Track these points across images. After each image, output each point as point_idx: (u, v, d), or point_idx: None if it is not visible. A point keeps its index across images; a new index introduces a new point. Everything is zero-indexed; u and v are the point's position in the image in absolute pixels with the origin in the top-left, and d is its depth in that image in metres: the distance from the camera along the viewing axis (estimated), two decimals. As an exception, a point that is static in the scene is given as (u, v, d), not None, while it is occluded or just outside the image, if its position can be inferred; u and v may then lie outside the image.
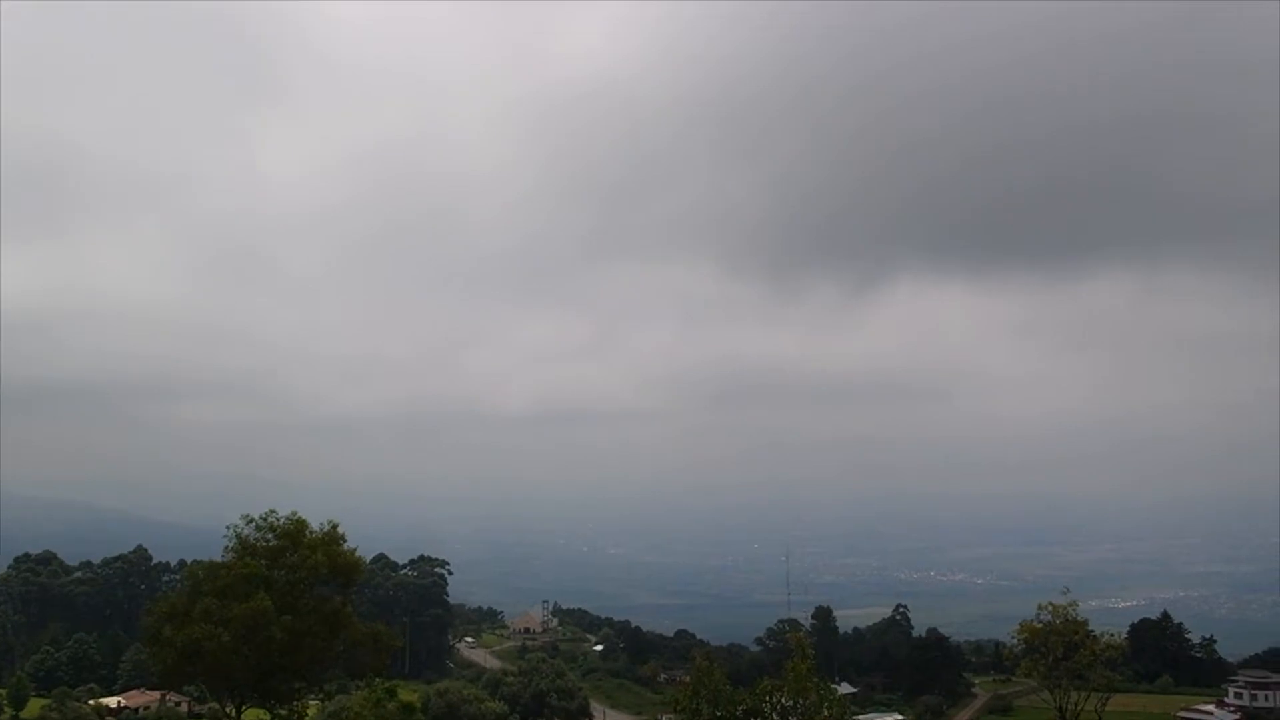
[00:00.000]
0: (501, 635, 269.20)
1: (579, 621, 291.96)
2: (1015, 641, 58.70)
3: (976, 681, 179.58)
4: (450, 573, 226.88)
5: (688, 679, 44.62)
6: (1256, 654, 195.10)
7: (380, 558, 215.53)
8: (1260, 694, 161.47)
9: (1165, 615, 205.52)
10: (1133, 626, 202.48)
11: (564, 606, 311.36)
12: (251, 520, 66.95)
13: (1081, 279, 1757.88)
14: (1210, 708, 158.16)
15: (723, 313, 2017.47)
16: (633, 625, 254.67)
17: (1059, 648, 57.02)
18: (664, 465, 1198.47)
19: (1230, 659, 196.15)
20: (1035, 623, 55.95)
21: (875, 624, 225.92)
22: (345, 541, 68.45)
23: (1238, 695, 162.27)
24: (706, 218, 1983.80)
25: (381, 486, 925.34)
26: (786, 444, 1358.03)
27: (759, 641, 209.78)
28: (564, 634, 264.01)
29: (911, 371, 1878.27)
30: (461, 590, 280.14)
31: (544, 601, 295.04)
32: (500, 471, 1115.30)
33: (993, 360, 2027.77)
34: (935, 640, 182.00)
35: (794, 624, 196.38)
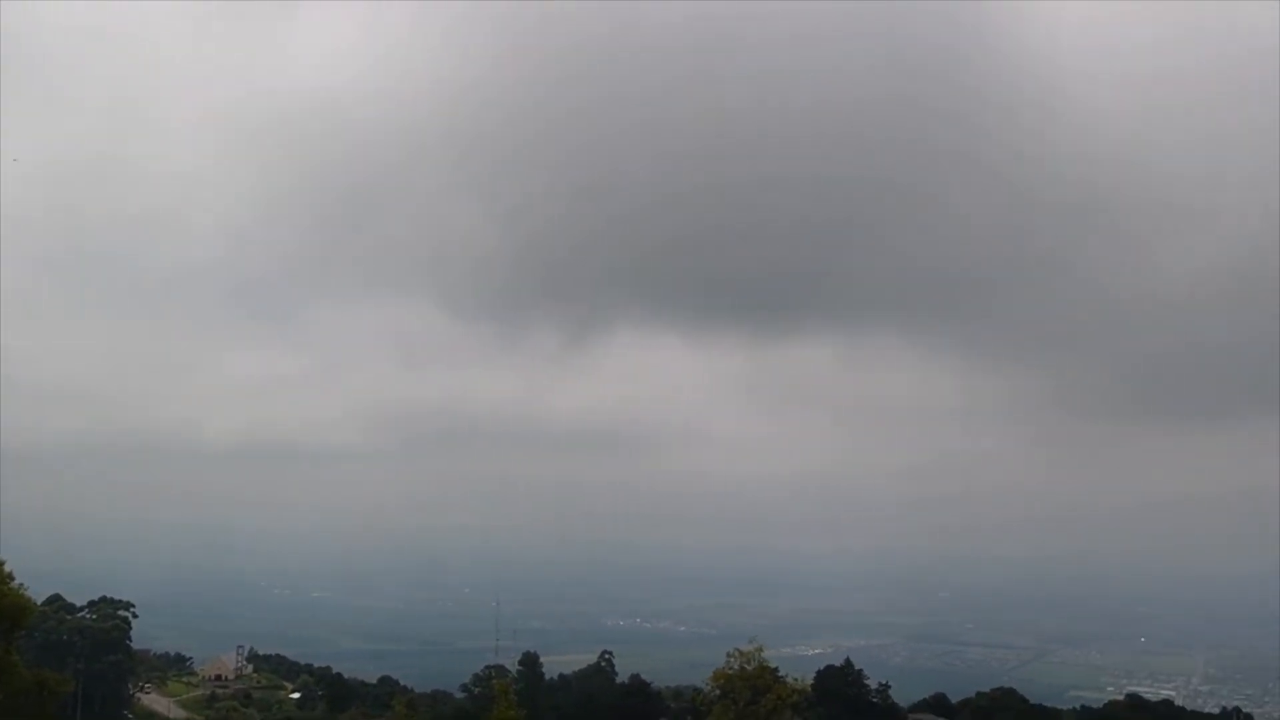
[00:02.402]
0: (189, 683, 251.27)
1: (276, 668, 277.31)
2: (708, 688, 61.52)
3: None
4: (135, 615, 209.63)
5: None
6: (924, 699, 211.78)
7: (55, 599, 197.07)
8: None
9: (848, 662, 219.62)
10: (819, 673, 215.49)
11: (260, 652, 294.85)
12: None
13: (790, 340, 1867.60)
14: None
15: (447, 352, 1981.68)
16: (334, 672, 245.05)
17: (746, 693, 60.32)
18: (378, 507, 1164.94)
19: (902, 704, 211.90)
20: (726, 669, 58.92)
21: (581, 670, 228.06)
22: (12, 580, 62.50)
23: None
24: (431, 251, 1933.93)
25: (65, 523, 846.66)
26: (506, 489, 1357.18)
27: (464, 688, 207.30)
28: (259, 681, 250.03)
29: (629, 422, 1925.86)
30: (149, 635, 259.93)
31: (239, 646, 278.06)
32: (200, 509, 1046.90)
33: (708, 415, 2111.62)
34: (638, 686, 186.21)
35: (501, 670, 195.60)
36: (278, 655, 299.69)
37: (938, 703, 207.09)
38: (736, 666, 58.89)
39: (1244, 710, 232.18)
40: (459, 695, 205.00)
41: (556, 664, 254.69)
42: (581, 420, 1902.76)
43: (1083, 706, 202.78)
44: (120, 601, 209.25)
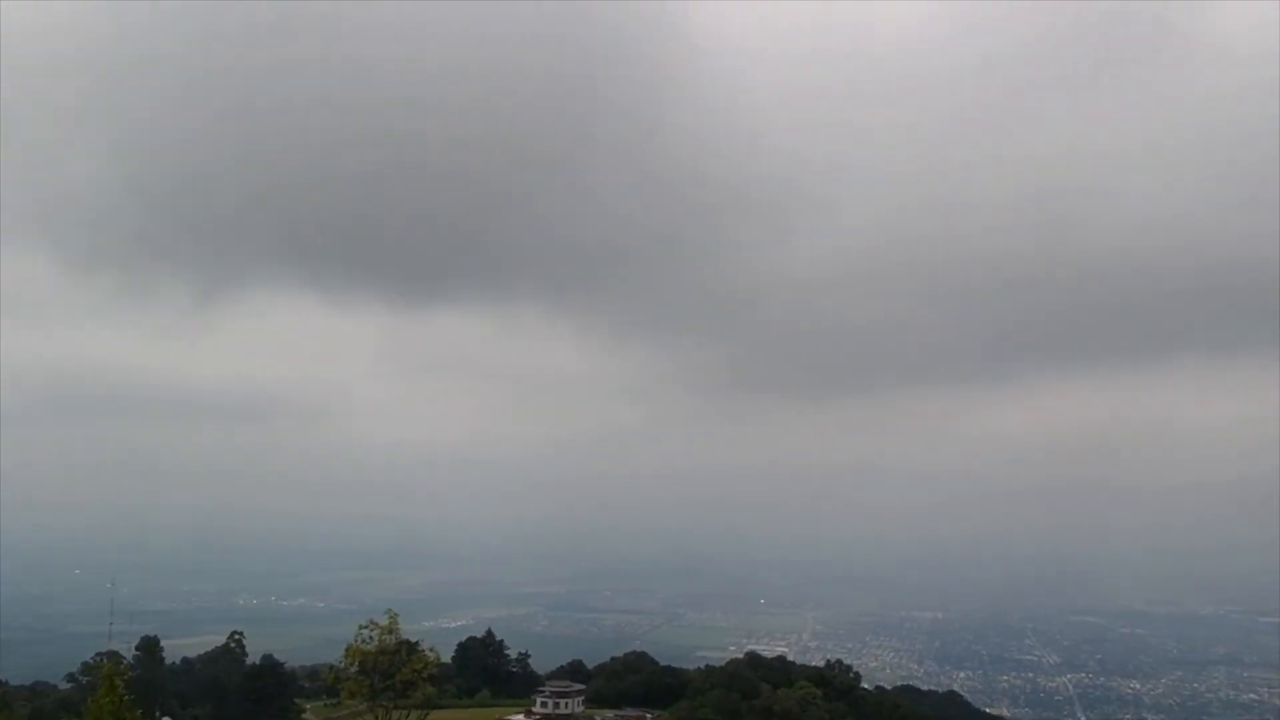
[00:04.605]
0: None
1: None
2: (343, 664, 59.16)
3: (308, 707, 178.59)
4: None
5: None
6: (562, 665, 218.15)
7: None
8: (562, 701, 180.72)
9: (489, 633, 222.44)
10: (460, 645, 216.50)
11: None
12: None
13: (437, 310, 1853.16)
14: (519, 717, 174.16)
15: (63, 308, 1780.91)
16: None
17: (383, 667, 58.62)
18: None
19: (540, 671, 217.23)
20: (360, 644, 56.87)
21: (208, 652, 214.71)
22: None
23: (544, 704, 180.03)
24: (39, 197, 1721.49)
25: None
26: (132, 459, 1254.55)
27: (71, 678, 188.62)
28: None
29: (267, 387, 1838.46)
30: None
31: None
32: None
33: (353, 381, 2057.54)
34: (269, 667, 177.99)
35: (114, 656, 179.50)
36: None
37: (575, 668, 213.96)
38: (372, 641, 56.96)
39: (845, 662, 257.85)
40: (64, 686, 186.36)
41: (181, 647, 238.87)
42: (216, 385, 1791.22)
43: (707, 665, 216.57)
44: None
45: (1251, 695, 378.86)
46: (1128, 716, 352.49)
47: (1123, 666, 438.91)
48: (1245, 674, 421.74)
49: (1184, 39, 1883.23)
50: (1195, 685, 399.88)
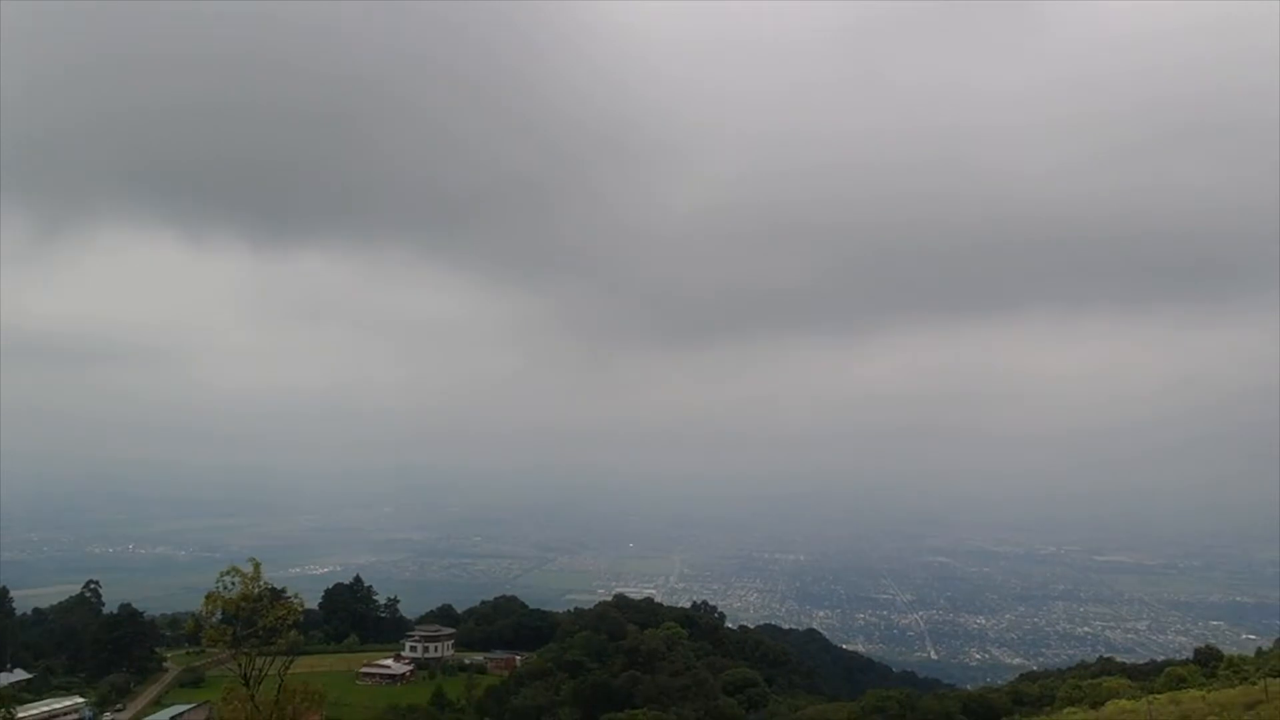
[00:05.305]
0: None
1: None
2: (204, 612, 58.61)
3: (169, 656, 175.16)
4: None
5: None
6: (432, 610, 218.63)
7: None
8: (431, 646, 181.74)
9: (357, 579, 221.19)
10: (326, 591, 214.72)
11: None
12: None
13: (303, 252, 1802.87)
14: (388, 661, 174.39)
15: None
16: None
17: (246, 614, 58.39)
18: None
19: (410, 616, 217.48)
20: (222, 592, 56.49)
21: (62, 603, 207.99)
22: None
23: (413, 648, 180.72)
24: None
25: None
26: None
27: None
28: None
29: (121, 329, 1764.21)
30: None
31: None
32: None
33: (217, 325, 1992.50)
34: (127, 616, 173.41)
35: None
36: None
37: (444, 613, 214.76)
38: (235, 589, 56.64)
39: (710, 603, 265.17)
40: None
41: (32, 598, 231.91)
42: (64, 325, 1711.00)
43: (576, 608, 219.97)
44: None
45: (1086, 628, 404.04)
46: (973, 649, 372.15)
47: (970, 603, 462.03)
48: (1081, 609, 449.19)
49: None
50: (1036, 620, 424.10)
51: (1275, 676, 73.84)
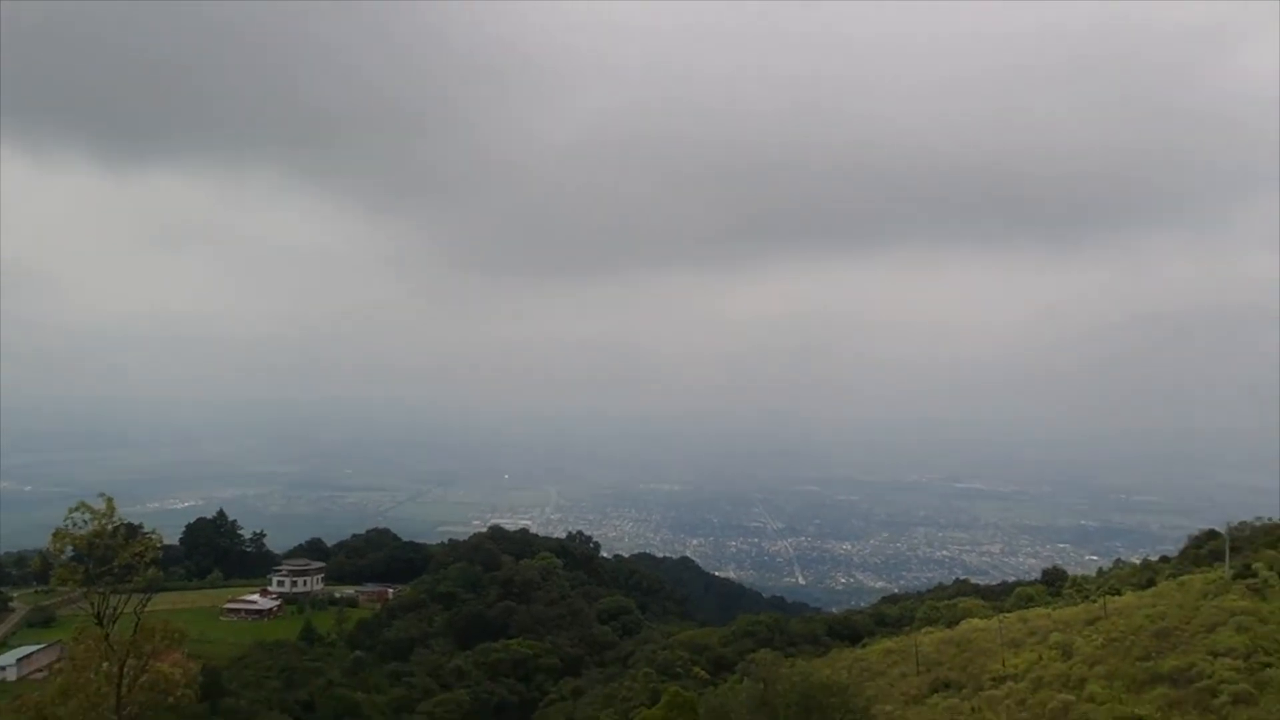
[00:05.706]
0: None
1: None
2: (52, 550, 55.51)
3: (16, 595, 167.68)
4: None
5: None
6: (300, 545, 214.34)
7: None
8: (300, 580, 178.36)
9: (221, 513, 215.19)
10: (188, 526, 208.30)
11: None
12: None
13: (155, 170, 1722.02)
14: (255, 596, 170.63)
15: None
16: None
17: (99, 552, 55.59)
18: None
19: (278, 551, 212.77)
20: (71, 529, 53.57)
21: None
22: None
23: (280, 583, 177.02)
24: None
25: None
26: None
27: None
28: None
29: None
30: None
31: None
32: None
33: (59, 247, 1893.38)
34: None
35: None
36: None
37: (313, 547, 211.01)
38: (86, 525, 53.77)
39: (586, 533, 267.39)
40: None
41: None
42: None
43: (450, 540, 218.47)
44: None
45: (944, 552, 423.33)
46: (839, 574, 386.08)
47: (837, 530, 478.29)
48: (940, 534, 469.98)
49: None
50: (898, 545, 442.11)
51: (1114, 594, 78.11)
